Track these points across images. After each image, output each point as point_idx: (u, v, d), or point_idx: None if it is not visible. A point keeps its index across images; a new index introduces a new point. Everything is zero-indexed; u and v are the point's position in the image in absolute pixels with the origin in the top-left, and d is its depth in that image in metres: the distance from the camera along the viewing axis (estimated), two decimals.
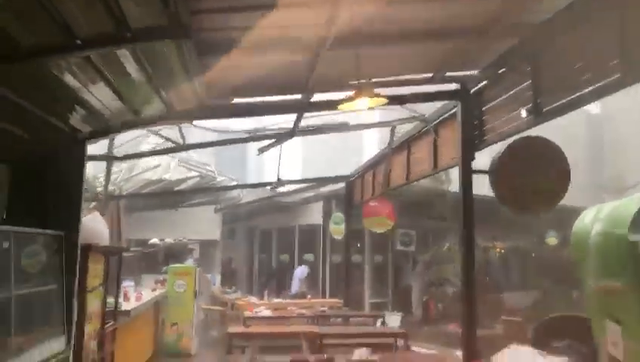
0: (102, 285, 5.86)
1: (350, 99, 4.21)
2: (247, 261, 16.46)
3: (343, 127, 7.30)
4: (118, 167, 13.20)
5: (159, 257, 11.32)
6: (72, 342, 5.14)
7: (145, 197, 12.41)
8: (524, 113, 4.75)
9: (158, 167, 13.37)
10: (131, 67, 3.94)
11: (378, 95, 4.21)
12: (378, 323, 10.43)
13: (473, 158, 5.98)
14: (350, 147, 15.44)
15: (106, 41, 3.42)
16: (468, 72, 5.83)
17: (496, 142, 5.68)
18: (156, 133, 6.58)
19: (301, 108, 5.61)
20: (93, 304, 5.61)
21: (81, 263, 5.28)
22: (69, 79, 3.98)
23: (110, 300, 7.44)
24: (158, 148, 7.05)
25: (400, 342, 8.75)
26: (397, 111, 7.47)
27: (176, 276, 10.22)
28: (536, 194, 5.59)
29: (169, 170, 13.54)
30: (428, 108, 7.12)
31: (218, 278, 14.02)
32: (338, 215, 12.99)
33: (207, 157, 15.63)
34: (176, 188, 13.42)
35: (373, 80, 6.06)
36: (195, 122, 6.94)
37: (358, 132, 9.09)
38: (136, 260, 11.18)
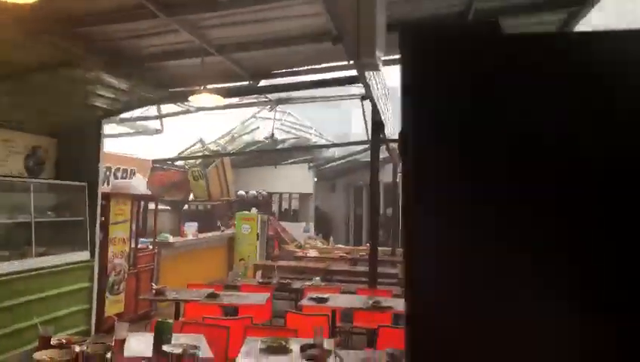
0: (127, 221, 8.45)
1: (199, 92, 5.84)
2: (343, 213, 18.44)
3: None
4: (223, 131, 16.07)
5: (239, 206, 13.93)
6: (96, 256, 7.83)
7: (240, 155, 15.06)
8: None
9: (257, 129, 15.93)
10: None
11: (217, 94, 5.76)
12: None
13: (382, 133, 7.10)
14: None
15: None
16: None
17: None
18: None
19: None
20: (117, 233, 8.23)
21: (103, 204, 7.90)
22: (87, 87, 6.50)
23: (165, 235, 10.32)
24: None
25: None
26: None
27: (243, 220, 12.74)
28: None
29: (265, 132, 16.01)
30: None
31: (312, 226, 16.27)
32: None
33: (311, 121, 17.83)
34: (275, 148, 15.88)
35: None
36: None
37: None
38: (224, 208, 13.96)
